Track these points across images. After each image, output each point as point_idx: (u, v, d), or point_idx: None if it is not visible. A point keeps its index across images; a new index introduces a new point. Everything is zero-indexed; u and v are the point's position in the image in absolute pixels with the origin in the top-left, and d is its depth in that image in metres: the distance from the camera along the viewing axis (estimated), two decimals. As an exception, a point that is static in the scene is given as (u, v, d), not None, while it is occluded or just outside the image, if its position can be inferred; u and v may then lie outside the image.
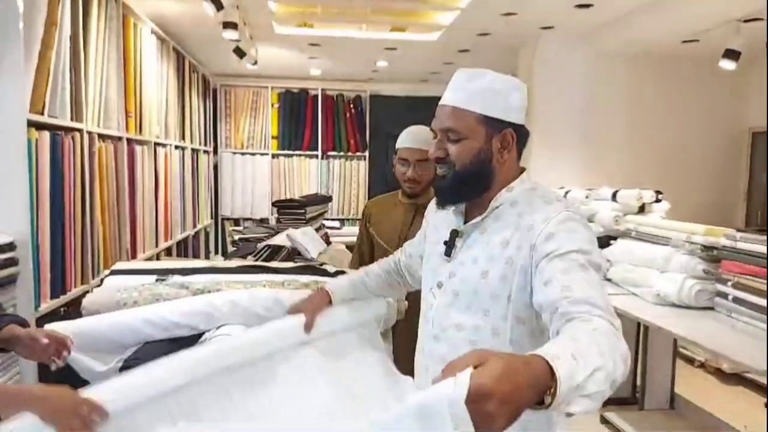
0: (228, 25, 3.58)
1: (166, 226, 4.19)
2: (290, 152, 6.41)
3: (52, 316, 2.23)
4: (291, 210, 3.62)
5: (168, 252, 4.25)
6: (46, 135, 2.31)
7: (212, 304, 1.47)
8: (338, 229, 5.06)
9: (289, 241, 2.84)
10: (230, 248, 6.20)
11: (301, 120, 6.39)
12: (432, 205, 1.35)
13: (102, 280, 1.74)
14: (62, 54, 2.46)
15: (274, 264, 1.98)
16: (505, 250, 1.11)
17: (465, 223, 1.21)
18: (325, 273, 1.84)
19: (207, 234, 5.80)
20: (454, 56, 5.16)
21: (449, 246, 1.20)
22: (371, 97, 6.50)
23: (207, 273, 1.78)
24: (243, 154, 6.42)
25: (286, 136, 6.39)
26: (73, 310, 2.27)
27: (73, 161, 2.53)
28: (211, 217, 6.00)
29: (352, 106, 6.47)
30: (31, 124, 2.16)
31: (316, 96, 6.37)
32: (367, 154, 6.52)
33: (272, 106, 6.35)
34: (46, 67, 2.32)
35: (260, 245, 2.90)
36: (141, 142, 3.56)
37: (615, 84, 4.59)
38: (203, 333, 1.47)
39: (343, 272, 1.79)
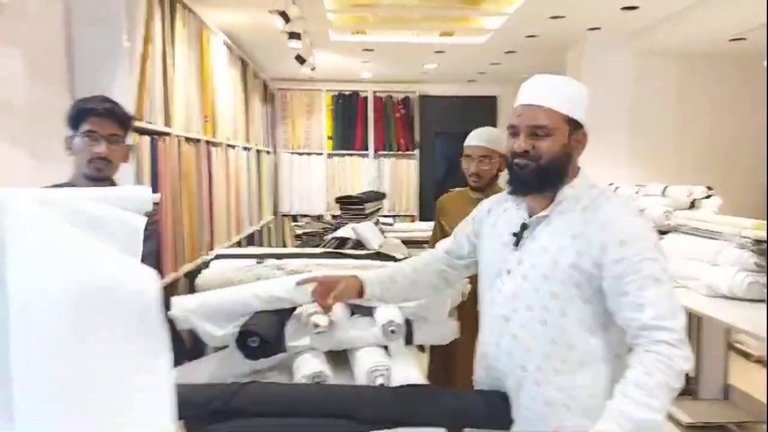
0: (293, 35, 3.89)
1: (237, 221, 4.54)
2: (344, 152, 6.71)
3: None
4: (352, 206, 3.90)
5: (238, 245, 4.60)
6: (146, 139, 2.66)
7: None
8: (391, 225, 5.31)
9: (353, 233, 3.11)
10: (292, 242, 6.60)
11: (353, 121, 6.68)
12: (486, 205, 1.55)
13: (206, 263, 2.04)
14: (155, 66, 2.80)
15: (347, 251, 2.25)
16: (574, 242, 1.27)
17: (530, 216, 1.36)
18: (394, 259, 2.09)
19: (269, 229, 6.16)
20: (501, 57, 5.33)
21: (519, 236, 1.36)
22: (420, 97, 6.73)
23: (296, 258, 2.07)
24: (300, 154, 6.76)
25: (340, 137, 6.70)
26: (166, 294, 2.58)
27: (165, 162, 2.88)
28: (272, 214, 6.37)
29: (401, 106, 6.72)
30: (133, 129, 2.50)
31: (366, 98, 6.65)
32: (416, 153, 6.75)
33: (326, 108, 6.66)
34: (144, 78, 2.66)
35: (328, 237, 3.17)
36: (215, 144, 3.91)
37: (662, 82, 4.67)
38: (297, 306, 1.75)
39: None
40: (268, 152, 6.05)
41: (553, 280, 1.28)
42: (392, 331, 1.70)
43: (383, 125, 6.70)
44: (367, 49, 5.11)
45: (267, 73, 6.00)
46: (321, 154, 6.73)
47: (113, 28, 2.42)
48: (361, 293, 1.53)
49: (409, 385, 1.56)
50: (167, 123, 2.95)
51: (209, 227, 3.71)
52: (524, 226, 1.37)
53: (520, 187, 1.37)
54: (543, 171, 1.31)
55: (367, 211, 3.99)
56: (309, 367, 1.61)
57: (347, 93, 6.67)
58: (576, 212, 1.30)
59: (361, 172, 6.75)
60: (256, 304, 1.70)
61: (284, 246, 6.58)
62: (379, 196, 4.58)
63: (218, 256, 2.11)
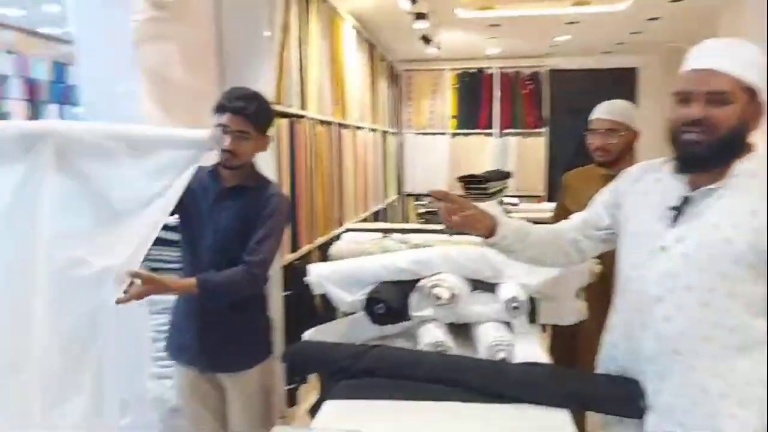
0: (419, 16, 3.93)
1: (364, 199, 4.74)
2: (468, 131, 6.68)
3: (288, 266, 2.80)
4: (475, 185, 3.90)
5: (365, 222, 4.81)
6: (285, 122, 2.87)
7: (429, 255, 1.81)
8: (516, 205, 5.21)
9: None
10: (415, 220, 6.74)
11: (478, 99, 6.60)
12: (632, 173, 1.44)
13: (338, 236, 2.20)
14: (292, 54, 3.00)
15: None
16: (753, 219, 1.16)
17: (692, 189, 1.24)
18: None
19: (394, 207, 6.35)
20: (643, 25, 4.94)
21: (678, 211, 1.25)
22: (550, 72, 6.47)
23: (419, 233, 2.15)
24: (424, 134, 6.84)
25: (464, 116, 6.66)
26: (300, 264, 2.80)
27: (301, 143, 3.09)
28: (397, 193, 6.54)
29: (529, 82, 6.51)
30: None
31: (492, 75, 6.53)
32: (545, 130, 6.52)
33: (451, 87, 6.66)
34: (282, 65, 2.87)
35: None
36: (345, 126, 4.10)
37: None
38: (420, 279, 1.83)
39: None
40: (393, 133, 6.20)
41: (723, 259, 1.18)
42: (515, 308, 1.72)
43: (509, 102, 6.55)
44: (493, 25, 5.01)
45: (393, 55, 6.12)
46: (444, 134, 6.75)
47: (256, 20, 2.64)
48: (491, 233, 1.42)
49: (531, 363, 1.56)
50: (303, 106, 3.16)
51: (339, 204, 3.92)
52: (685, 200, 1.25)
53: (690, 164, 1.24)
54: (717, 146, 1.19)
55: (491, 191, 3.97)
56: (431, 336, 1.68)
57: (472, 71, 6.60)
58: (754, 189, 1.18)
59: (485, 151, 6.67)
60: (383, 274, 1.81)
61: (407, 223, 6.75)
62: (503, 176, 4.51)
63: (348, 230, 2.26)
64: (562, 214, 2.29)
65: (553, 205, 3.90)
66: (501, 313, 1.75)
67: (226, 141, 1.75)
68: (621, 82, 6.20)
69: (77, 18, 2.22)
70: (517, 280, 1.76)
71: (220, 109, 1.78)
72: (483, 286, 1.84)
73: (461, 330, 1.80)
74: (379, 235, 2.08)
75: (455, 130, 6.73)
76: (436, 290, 1.71)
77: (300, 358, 1.69)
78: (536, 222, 3.19)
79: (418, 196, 6.83)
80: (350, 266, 1.84)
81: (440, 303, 1.71)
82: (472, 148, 6.72)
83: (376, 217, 5.33)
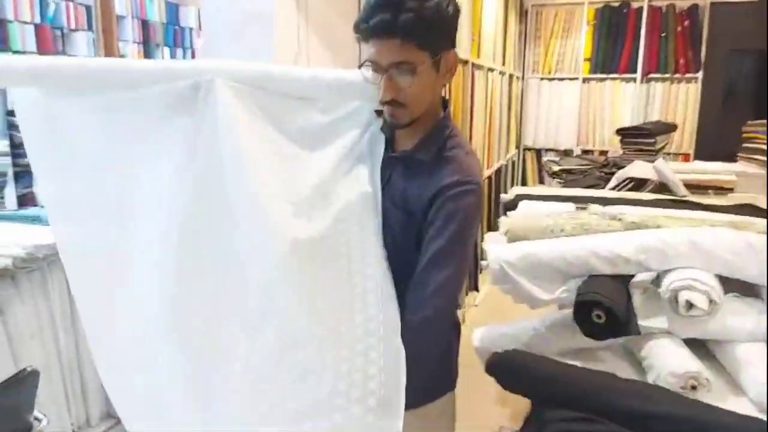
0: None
1: (489, 153, 4.18)
2: (603, 76, 5.80)
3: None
4: (638, 138, 3.22)
5: (488, 181, 4.27)
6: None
7: (666, 241, 1.26)
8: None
9: (654, 174, 2.48)
10: (535, 180, 6.08)
11: (620, 38, 5.68)
12: None
13: (509, 204, 1.69)
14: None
15: (695, 199, 1.69)
16: None
17: None
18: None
19: (513, 164, 5.72)
20: None
21: None
22: (712, 5, 5.40)
23: (618, 203, 1.60)
24: (550, 80, 6.05)
25: (600, 58, 5.77)
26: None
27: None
28: (516, 147, 5.89)
29: (685, 18, 5.48)
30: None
31: (640, 9, 5.56)
32: (699, 75, 5.52)
33: (587, 23, 5.77)
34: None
35: (620, 176, 2.59)
36: (478, 67, 3.52)
37: None
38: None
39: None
40: (517, 77, 5.48)
41: None
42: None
43: (658, 42, 5.57)
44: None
45: (524, -14, 5.36)
46: (575, 78, 5.92)
47: None
48: None
49: None
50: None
51: (469, 159, 3.40)
52: None
53: None
54: None
55: (658, 146, 3.27)
56: (678, 362, 1.16)
57: (615, 4, 5.65)
58: None
59: (623, 99, 5.78)
60: (596, 264, 1.29)
61: (524, 185, 6.09)
62: (669, 128, 3.75)
63: (519, 197, 1.74)
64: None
65: (703, 164, 3.20)
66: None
67: (382, 88, 1.14)
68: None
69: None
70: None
71: (360, 33, 1.14)
72: (739, 286, 1.28)
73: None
74: (571, 206, 1.55)
75: (588, 75, 5.87)
76: (686, 294, 1.17)
77: (510, 373, 1.22)
78: (685, 184, 2.51)
79: (539, 151, 6.14)
80: (545, 251, 1.33)
81: (693, 314, 1.17)
82: (606, 95, 5.86)
83: (498, 175, 4.76)
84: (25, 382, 1.24)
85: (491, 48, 3.87)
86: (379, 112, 1.29)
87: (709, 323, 1.21)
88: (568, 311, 1.31)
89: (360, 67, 1.19)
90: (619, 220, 1.42)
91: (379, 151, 1.27)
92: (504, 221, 1.54)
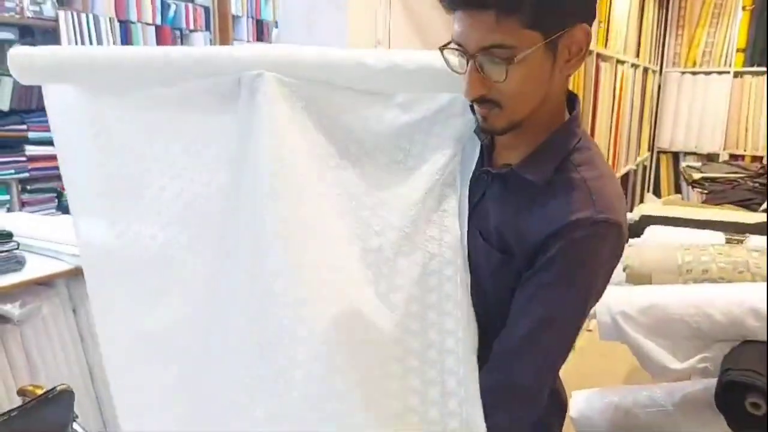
0: None
1: (615, 156, 3.68)
2: (762, 69, 4.95)
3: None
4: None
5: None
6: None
7: None
8: None
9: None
10: (670, 189, 5.36)
11: (786, 24, 4.80)
12: None
13: (632, 228, 1.33)
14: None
15: None
16: None
17: None
18: None
19: (645, 169, 5.08)
20: None
21: None
22: None
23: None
24: (694, 73, 5.28)
25: (757, 49, 4.93)
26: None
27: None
28: (648, 149, 5.23)
29: None
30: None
31: (815, -13, 4.65)
32: None
33: (743, 8, 4.95)
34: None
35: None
36: (605, 59, 3.07)
37: None
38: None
39: None
40: (654, 71, 4.83)
41: None
42: None
43: (838, 28, 4.64)
44: None
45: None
46: (726, 72, 5.11)
47: None
48: None
49: None
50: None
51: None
52: None
53: None
54: None
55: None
56: None
57: (782, -17, 4.79)
58: None
59: (785, 97, 4.90)
60: (754, 327, 0.91)
61: (657, 194, 5.38)
62: None
63: (645, 218, 1.36)
64: None
65: None
66: None
67: (464, 82, 0.83)
68: None
69: None
70: None
71: (450, 3, 0.82)
72: None
73: None
74: (720, 236, 1.16)
75: (741, 68, 5.04)
76: None
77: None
78: None
79: (676, 155, 5.40)
80: (678, 302, 0.98)
81: None
82: (764, 92, 4.99)
83: (625, 181, 4.21)
84: (58, 400, 1.18)
85: (622, 37, 3.38)
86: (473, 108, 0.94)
87: None
88: (707, 386, 0.95)
89: (442, 49, 0.85)
90: (793, 261, 1.02)
91: (471, 165, 0.95)
92: (627, 252, 1.19)
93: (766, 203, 1.84)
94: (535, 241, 0.81)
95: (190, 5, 4.39)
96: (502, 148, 0.93)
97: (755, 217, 1.37)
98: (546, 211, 0.82)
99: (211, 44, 4.43)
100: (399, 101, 0.98)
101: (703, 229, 1.23)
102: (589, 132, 2.86)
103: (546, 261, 0.80)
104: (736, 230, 1.22)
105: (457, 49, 0.82)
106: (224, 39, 4.56)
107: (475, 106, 0.86)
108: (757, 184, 2.57)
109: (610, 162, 3.60)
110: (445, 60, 0.85)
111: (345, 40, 1.46)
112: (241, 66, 0.96)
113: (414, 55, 0.98)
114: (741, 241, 1.13)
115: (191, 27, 4.41)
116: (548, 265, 0.80)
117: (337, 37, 1.48)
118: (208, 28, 4.53)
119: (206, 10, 4.52)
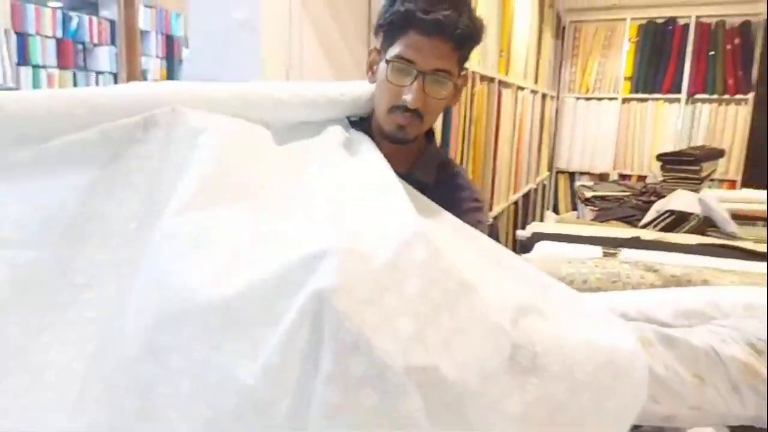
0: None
1: (516, 177, 3.93)
2: (645, 96, 5.47)
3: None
4: (681, 165, 2.92)
5: (515, 206, 4.01)
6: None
7: (715, 304, 1.01)
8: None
9: (699, 207, 2.20)
10: (567, 206, 5.76)
11: (664, 56, 5.35)
12: None
13: (524, 244, 1.45)
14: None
15: (747, 245, 1.42)
16: None
17: None
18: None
19: (544, 187, 5.43)
20: None
21: None
22: (767, 22, 5.03)
23: (661, 249, 1.34)
24: (587, 99, 5.75)
25: (642, 77, 5.45)
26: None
27: (459, 103, 2.37)
28: (547, 169, 5.60)
29: (736, 35, 5.13)
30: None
31: (686, 25, 5.23)
32: (750, 97, 5.14)
33: (629, 41, 5.47)
34: None
35: (660, 208, 2.31)
36: (506, 85, 3.29)
37: None
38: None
39: None
40: (552, 97, 5.22)
41: None
42: None
43: (705, 61, 5.23)
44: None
45: (563, 2, 5.12)
46: (614, 98, 5.61)
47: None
48: None
49: None
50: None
51: (491, 183, 3.16)
52: None
53: None
54: None
55: (704, 174, 2.96)
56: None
57: (660, 20, 5.34)
58: None
59: (665, 121, 5.44)
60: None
61: (556, 211, 5.77)
62: (715, 154, 3.43)
63: (536, 235, 1.50)
64: None
65: (751, 193, 2.89)
66: None
67: (411, 92, 0.98)
68: None
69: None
70: None
71: (406, 24, 0.97)
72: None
73: None
74: (596, 250, 1.30)
75: (628, 95, 5.55)
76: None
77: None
78: (733, 215, 2.20)
79: (572, 174, 5.82)
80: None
81: None
82: (648, 116, 5.52)
83: (526, 199, 4.49)
84: None
85: (522, 65, 3.64)
86: (354, 124, 1.11)
87: None
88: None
89: (388, 62, 1.00)
90: (656, 271, 1.17)
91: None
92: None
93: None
94: None
95: (94, 18, 4.22)
96: (391, 158, 1.02)
97: (629, 232, 1.54)
98: (442, 202, 1.00)
99: (117, 59, 4.28)
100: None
101: (589, 244, 1.38)
102: (492, 153, 3.05)
103: None
104: (613, 245, 1.37)
105: (407, 66, 0.98)
106: (131, 54, 4.41)
107: (398, 117, 1.01)
108: (640, 201, 2.81)
109: (512, 181, 3.83)
110: (385, 72, 1.01)
111: (258, 63, 1.49)
112: (150, 103, 0.92)
113: (312, 85, 1.10)
114: (615, 254, 1.28)
115: (95, 41, 4.24)
116: None
117: (251, 60, 1.51)
118: (113, 42, 4.38)
119: (111, 23, 4.37)
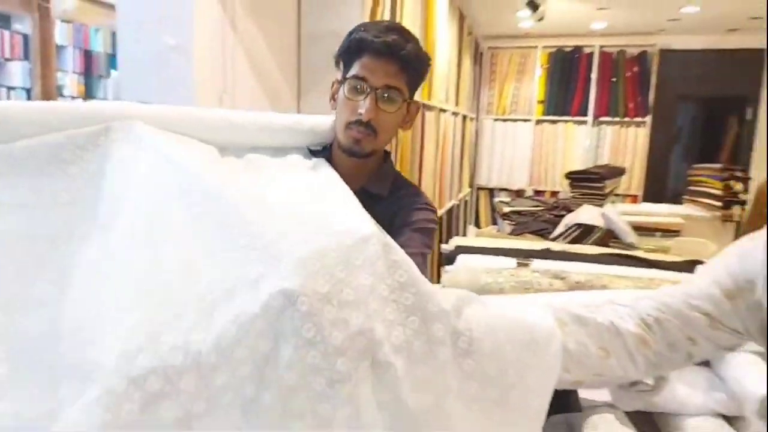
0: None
1: (440, 193, 4.11)
2: (556, 118, 5.89)
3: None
4: (587, 182, 3.19)
5: (440, 221, 4.18)
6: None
7: (613, 302, 1.16)
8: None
9: (602, 221, 2.43)
10: (488, 220, 6.04)
11: (572, 82, 5.80)
12: None
13: (448, 257, 1.57)
14: (385, 15, 2.41)
15: (643, 254, 1.61)
16: None
17: None
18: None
19: (466, 203, 5.68)
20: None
21: None
22: (660, 52, 5.57)
23: (564, 259, 1.50)
24: (504, 120, 6.10)
25: (553, 101, 5.88)
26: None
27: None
28: (469, 186, 5.87)
29: (634, 64, 5.64)
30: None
31: (591, 54, 5.70)
32: (648, 120, 5.66)
33: (541, 67, 5.87)
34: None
35: (567, 222, 2.53)
36: (429, 108, 3.47)
37: None
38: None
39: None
40: (471, 118, 5.50)
41: None
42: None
43: (608, 87, 5.71)
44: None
45: (480, 29, 5.41)
46: (528, 120, 5.99)
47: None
48: None
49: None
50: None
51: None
52: None
53: None
54: None
55: (607, 190, 3.25)
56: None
57: (568, 49, 5.79)
58: None
59: (574, 141, 5.87)
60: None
61: (477, 225, 6.04)
62: (617, 172, 3.77)
63: (458, 248, 1.63)
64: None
65: (650, 206, 3.23)
66: (724, 404, 1.10)
67: (365, 106, 1.10)
68: (746, 66, 5.26)
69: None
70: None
71: (360, 49, 1.11)
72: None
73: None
74: (511, 261, 1.44)
75: (541, 117, 5.95)
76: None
77: None
78: (634, 227, 2.48)
79: (492, 191, 6.13)
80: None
81: (641, 389, 1.06)
82: (559, 137, 5.94)
83: (449, 215, 4.69)
84: None
85: (443, 89, 3.84)
86: (315, 153, 1.21)
87: (655, 395, 1.10)
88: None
89: (342, 83, 1.15)
90: (563, 279, 1.31)
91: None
92: (444, 277, 1.42)
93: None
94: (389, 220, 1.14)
95: (6, 32, 4.02)
96: (350, 172, 1.16)
97: (541, 244, 1.70)
98: (393, 207, 1.17)
99: (30, 75, 4.09)
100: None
101: (505, 255, 1.52)
102: (417, 172, 3.20)
103: (398, 225, 1.16)
104: (526, 256, 1.51)
105: (361, 83, 1.11)
106: (46, 70, 4.23)
107: (354, 131, 1.13)
108: (552, 216, 3.01)
109: (436, 197, 4.01)
110: (342, 90, 1.15)
111: (191, 87, 1.53)
112: (107, 116, 0.99)
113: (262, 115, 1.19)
114: (527, 265, 1.42)
115: (7, 56, 4.04)
116: (402, 226, 1.15)
117: (183, 84, 1.55)
118: (27, 57, 4.18)
119: (25, 37, 4.18)
